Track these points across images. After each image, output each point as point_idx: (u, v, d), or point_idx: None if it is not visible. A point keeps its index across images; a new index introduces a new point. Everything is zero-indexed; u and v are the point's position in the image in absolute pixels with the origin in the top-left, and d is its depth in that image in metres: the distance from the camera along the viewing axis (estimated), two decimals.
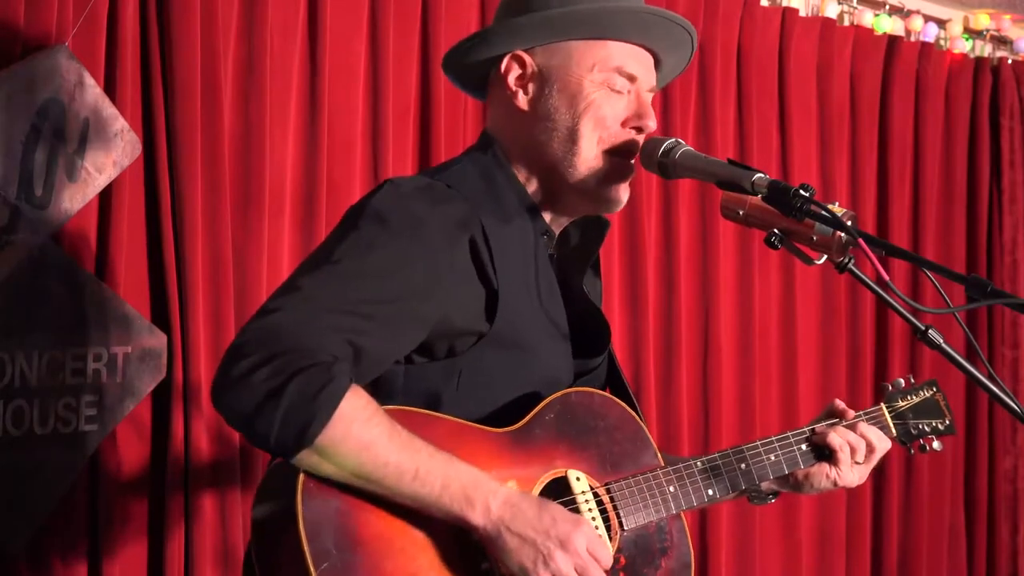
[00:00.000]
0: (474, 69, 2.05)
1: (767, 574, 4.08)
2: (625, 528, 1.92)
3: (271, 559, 1.76)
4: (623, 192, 2.00)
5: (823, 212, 1.84)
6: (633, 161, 2.00)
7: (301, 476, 1.70)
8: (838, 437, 2.13)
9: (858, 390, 4.32)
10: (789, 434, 2.16)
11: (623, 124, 1.98)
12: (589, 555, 1.79)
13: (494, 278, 1.87)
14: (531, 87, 1.98)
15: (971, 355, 3.79)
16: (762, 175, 1.89)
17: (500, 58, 2.00)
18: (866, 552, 4.36)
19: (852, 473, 2.16)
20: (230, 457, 2.85)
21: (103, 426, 2.69)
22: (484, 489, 1.76)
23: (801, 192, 1.83)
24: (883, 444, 2.18)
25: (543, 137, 1.97)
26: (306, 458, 1.69)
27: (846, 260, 1.88)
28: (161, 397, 2.80)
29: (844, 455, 2.14)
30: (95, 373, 2.68)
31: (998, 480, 4.70)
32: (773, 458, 2.12)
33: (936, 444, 2.31)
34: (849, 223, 1.83)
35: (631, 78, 1.99)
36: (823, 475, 2.15)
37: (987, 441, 4.68)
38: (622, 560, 1.91)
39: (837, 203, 1.89)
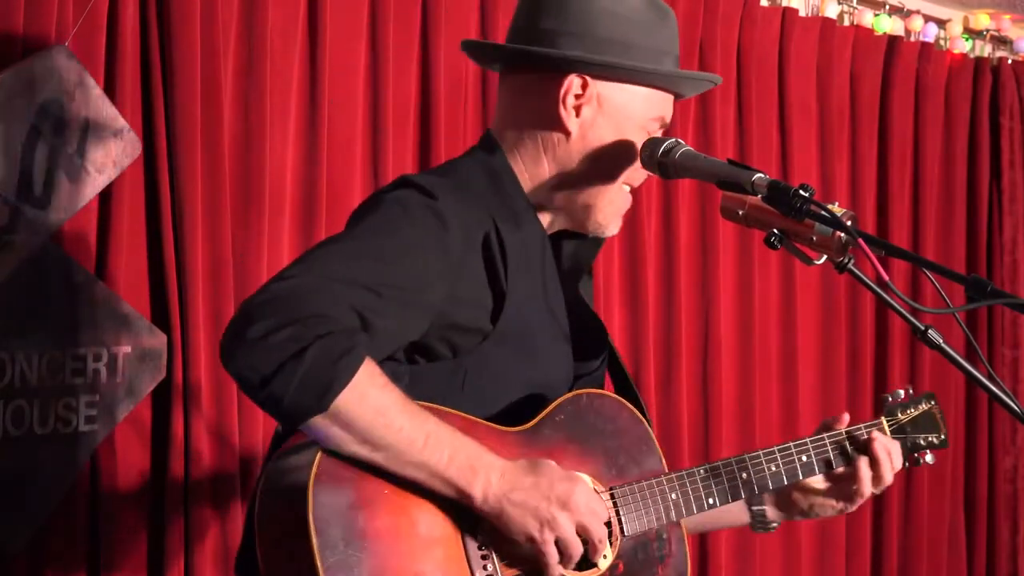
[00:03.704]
0: (504, 53, 2.03)
1: (767, 574, 4.08)
2: (626, 534, 1.93)
3: (275, 552, 1.75)
4: (620, 223, 2.06)
5: (823, 212, 1.83)
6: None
7: (314, 469, 1.70)
8: (881, 444, 2.12)
9: (858, 390, 4.32)
10: (791, 444, 2.13)
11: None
12: (588, 510, 1.81)
13: (504, 279, 1.88)
14: (585, 111, 1.97)
15: (971, 355, 3.79)
16: (762, 175, 1.89)
17: (549, 65, 1.96)
18: (866, 552, 4.36)
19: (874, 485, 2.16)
20: (230, 457, 2.85)
21: (103, 426, 2.69)
22: (485, 461, 1.77)
23: (801, 192, 1.83)
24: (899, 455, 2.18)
25: (580, 162, 1.98)
26: (319, 423, 1.69)
27: (846, 260, 1.87)
28: (161, 397, 2.80)
29: (884, 459, 2.13)
30: (95, 373, 2.68)
31: (998, 480, 4.69)
32: (774, 468, 2.10)
33: (929, 457, 2.28)
34: (849, 223, 1.83)
35: (664, 125, 2.04)
36: (861, 479, 2.13)
37: (987, 441, 4.67)
38: (620, 567, 1.91)
39: (837, 203, 1.88)
